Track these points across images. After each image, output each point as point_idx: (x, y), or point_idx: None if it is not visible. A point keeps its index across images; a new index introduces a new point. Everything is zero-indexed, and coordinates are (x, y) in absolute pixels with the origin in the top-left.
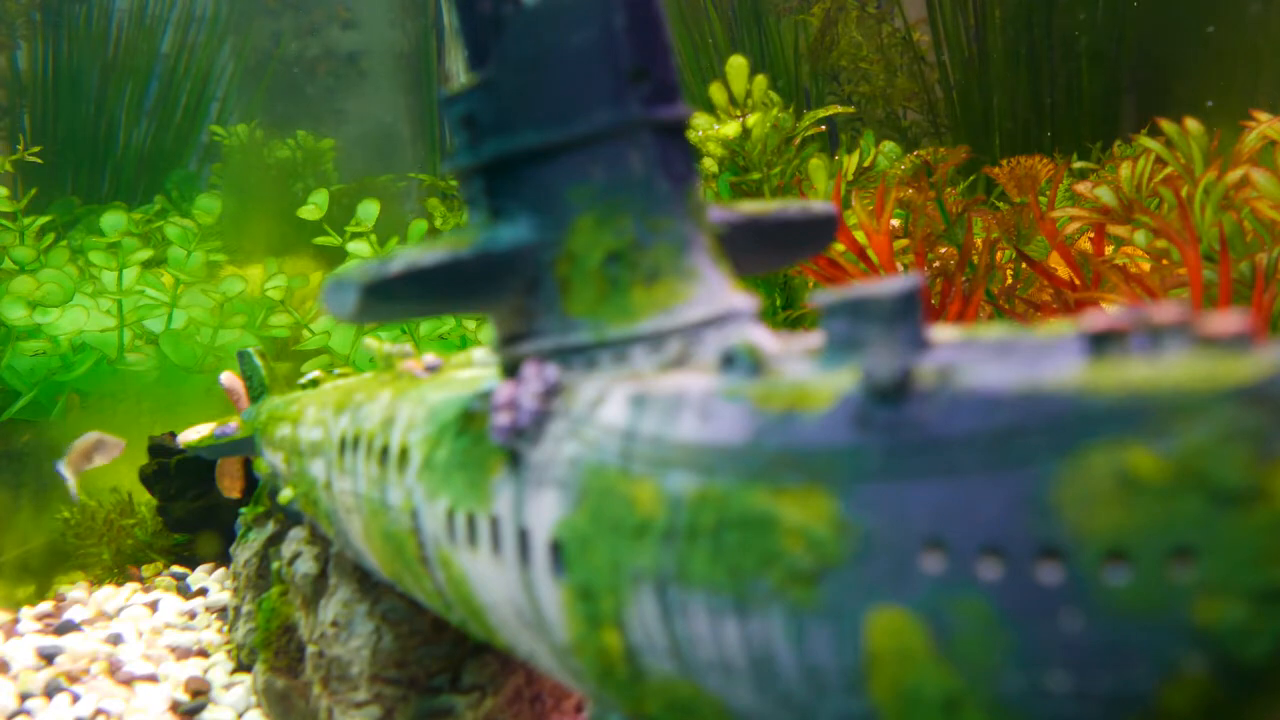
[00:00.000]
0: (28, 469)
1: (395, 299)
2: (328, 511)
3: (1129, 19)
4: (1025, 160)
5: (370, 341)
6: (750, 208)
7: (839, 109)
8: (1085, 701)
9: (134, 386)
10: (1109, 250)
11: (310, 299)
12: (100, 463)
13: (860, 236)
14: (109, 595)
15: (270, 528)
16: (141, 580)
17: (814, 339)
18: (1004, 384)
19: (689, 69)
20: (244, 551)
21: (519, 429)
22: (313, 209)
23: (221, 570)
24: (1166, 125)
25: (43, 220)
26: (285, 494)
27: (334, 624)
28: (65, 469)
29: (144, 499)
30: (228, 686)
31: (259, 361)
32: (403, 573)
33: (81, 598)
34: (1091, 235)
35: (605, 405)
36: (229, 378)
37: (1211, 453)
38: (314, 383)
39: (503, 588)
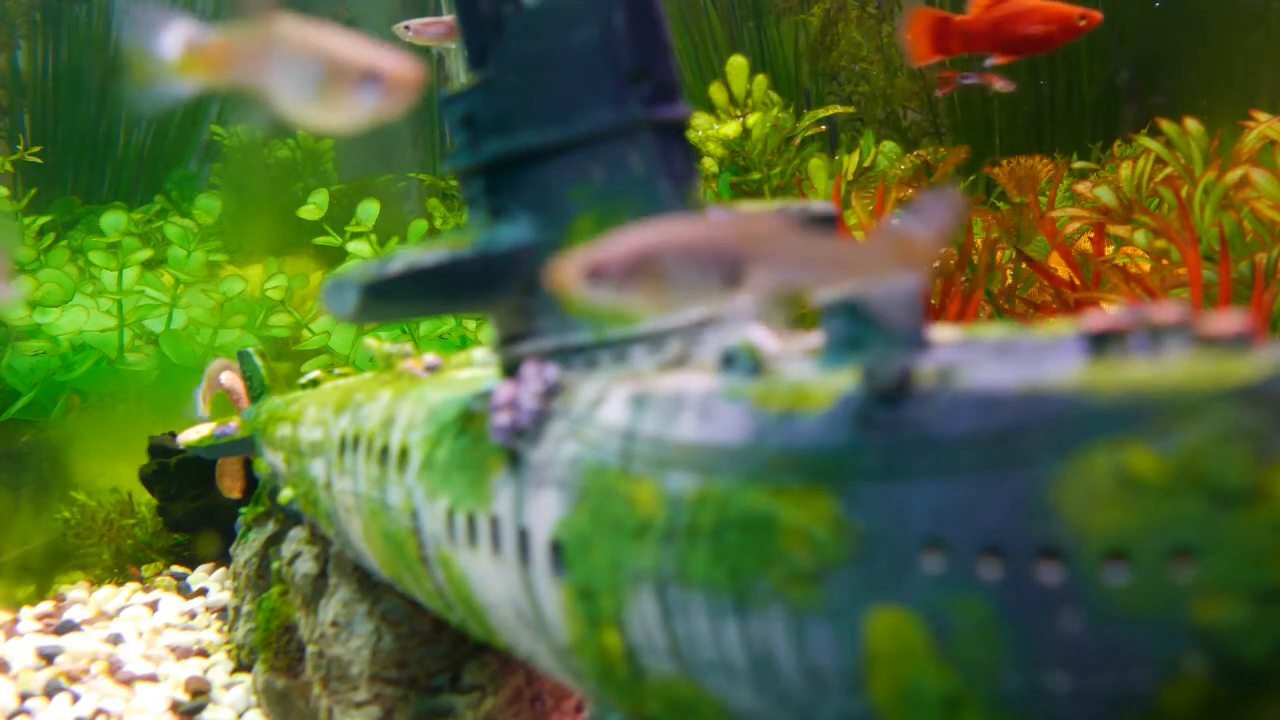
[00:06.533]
0: (28, 469)
1: (395, 299)
2: (328, 511)
3: (1129, 19)
4: (1025, 160)
5: (370, 341)
6: (750, 208)
7: (839, 109)
8: (1085, 701)
9: (134, 386)
10: (1109, 250)
11: (310, 299)
12: (228, 383)
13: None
14: (109, 595)
15: (270, 528)
16: (141, 580)
17: (814, 339)
18: (1004, 384)
19: (689, 69)
20: (244, 551)
21: (519, 429)
22: (313, 209)
23: (221, 570)
24: (1166, 125)
25: (43, 220)
26: (285, 494)
27: (334, 624)
28: (202, 404)
29: (144, 499)
30: (228, 686)
31: (259, 361)
32: (403, 573)
33: (81, 598)
34: (1091, 235)
35: (605, 405)
36: (229, 377)
37: (1211, 453)
38: (314, 383)
39: (503, 588)
